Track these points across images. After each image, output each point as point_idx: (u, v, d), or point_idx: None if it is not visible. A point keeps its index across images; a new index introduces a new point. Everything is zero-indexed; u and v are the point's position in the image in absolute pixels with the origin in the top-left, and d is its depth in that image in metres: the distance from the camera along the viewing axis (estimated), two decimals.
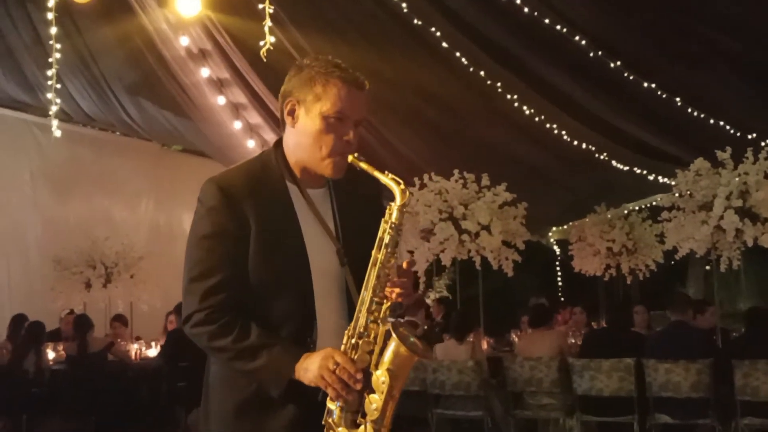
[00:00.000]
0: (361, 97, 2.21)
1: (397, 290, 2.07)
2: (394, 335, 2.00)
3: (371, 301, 2.05)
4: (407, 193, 2.10)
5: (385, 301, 2.06)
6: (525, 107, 9.17)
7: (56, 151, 10.88)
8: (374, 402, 1.99)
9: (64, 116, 10.55)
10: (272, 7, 7.14)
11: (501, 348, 8.47)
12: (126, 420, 7.87)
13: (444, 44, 8.08)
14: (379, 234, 2.09)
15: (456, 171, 8.29)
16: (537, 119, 9.37)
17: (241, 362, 2.06)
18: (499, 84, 8.75)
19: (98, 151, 11.80)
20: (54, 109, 8.96)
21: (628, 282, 10.65)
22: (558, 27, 7.50)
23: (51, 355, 8.42)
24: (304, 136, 2.18)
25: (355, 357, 2.01)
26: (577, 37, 7.62)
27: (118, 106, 10.32)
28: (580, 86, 8.66)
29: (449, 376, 6.67)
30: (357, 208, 2.29)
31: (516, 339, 8.60)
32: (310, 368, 2.01)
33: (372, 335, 2.04)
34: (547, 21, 7.43)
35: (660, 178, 10.79)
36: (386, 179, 2.12)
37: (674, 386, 5.95)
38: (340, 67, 2.20)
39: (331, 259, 2.20)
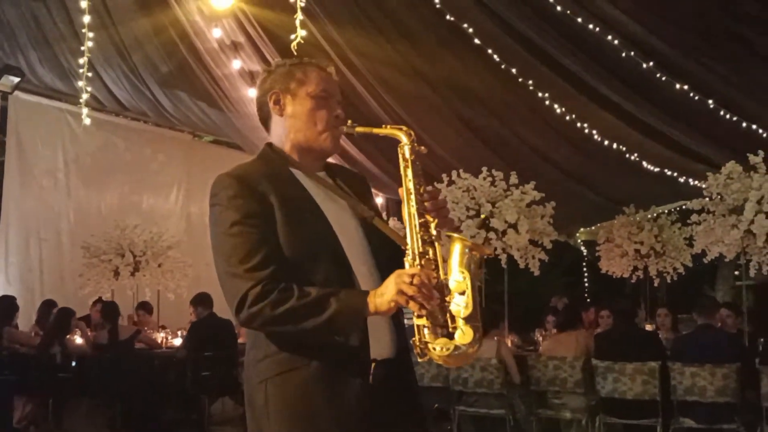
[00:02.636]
0: (334, 80, 2.35)
1: (436, 209, 2.13)
2: (454, 236, 2.04)
3: (418, 226, 2.08)
4: (410, 132, 2.20)
5: (430, 221, 2.10)
6: (556, 105, 9.13)
7: (89, 140, 11.02)
8: (462, 301, 1.98)
9: (96, 105, 10.69)
10: (303, 0, 7.16)
11: (525, 347, 8.44)
12: (151, 407, 7.96)
13: (476, 40, 8.07)
14: (402, 172, 2.17)
15: (484, 168, 8.27)
16: (568, 118, 9.33)
17: (313, 318, 2.01)
18: (530, 81, 8.71)
19: (130, 141, 11.91)
20: (85, 97, 9.06)
21: (656, 284, 10.57)
22: (591, 26, 7.45)
23: (79, 341, 8.53)
24: (297, 119, 2.27)
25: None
26: (609, 37, 7.56)
27: (151, 96, 10.41)
28: (612, 86, 8.59)
29: (472, 373, 6.67)
30: (354, 186, 2.37)
31: (540, 338, 8.57)
32: (385, 291, 1.98)
33: (431, 253, 2.06)
34: (579, 20, 7.38)
35: (690, 180, 10.68)
36: (386, 131, 2.24)
37: (700, 390, 5.89)
38: (309, 60, 2.36)
39: (351, 228, 2.23)
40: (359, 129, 2.28)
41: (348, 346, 2.06)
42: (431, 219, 2.10)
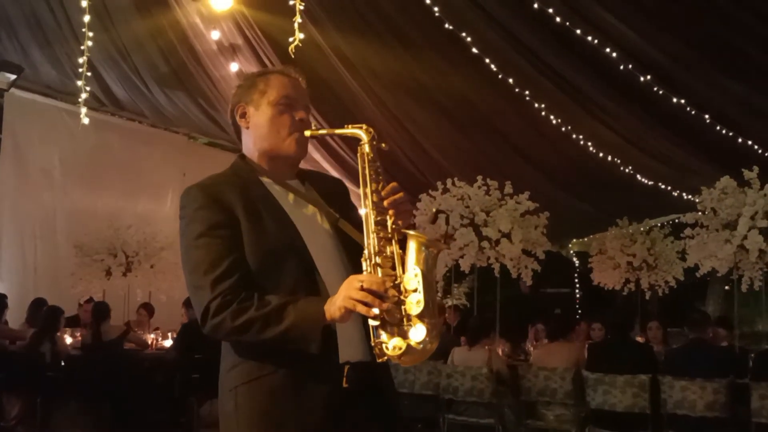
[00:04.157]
0: (301, 85, 2.36)
1: (393, 206, 2.12)
2: (410, 233, 2.06)
3: (375, 224, 2.09)
4: (370, 130, 2.22)
5: (388, 217, 2.10)
6: (552, 116, 9.16)
7: (85, 139, 10.97)
8: (415, 298, 1.99)
9: (95, 104, 10.68)
10: (303, 4, 7.18)
11: (516, 357, 8.44)
12: (140, 408, 7.93)
13: (474, 50, 8.09)
14: (360, 172, 2.18)
15: (479, 177, 8.28)
16: (564, 129, 9.36)
17: (272, 327, 2.02)
18: (527, 92, 8.74)
19: (126, 141, 11.89)
20: (84, 96, 9.05)
21: (647, 297, 10.58)
22: (589, 38, 7.48)
23: (68, 340, 8.50)
24: (261, 128, 2.30)
25: (380, 273, 2.02)
26: (608, 49, 7.59)
27: (149, 95, 10.42)
28: (609, 98, 8.63)
29: (462, 382, 6.66)
30: (329, 192, 2.38)
31: (531, 348, 8.57)
32: (336, 298, 2.00)
33: (388, 251, 2.06)
34: (578, 31, 7.42)
35: (684, 194, 10.72)
36: (348, 130, 2.25)
37: (689, 404, 5.89)
38: (274, 68, 2.39)
39: (322, 233, 2.25)
40: (321, 131, 2.37)
41: (310, 354, 2.06)
42: (390, 216, 2.11)
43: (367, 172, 2.17)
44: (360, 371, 2.12)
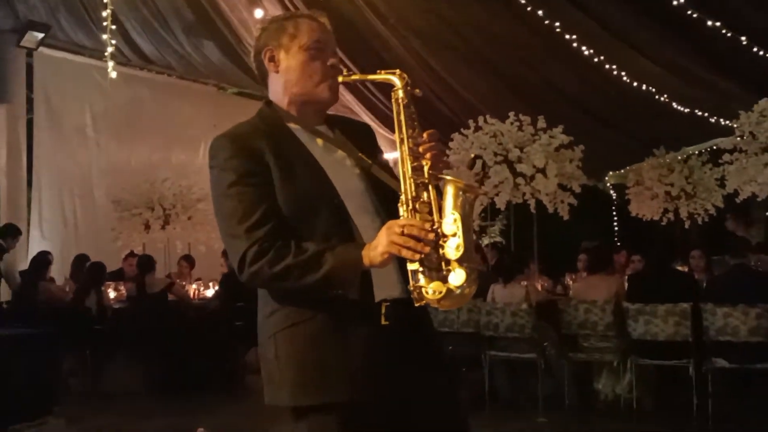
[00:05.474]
0: (329, 30, 2.31)
1: (430, 152, 2.09)
2: (447, 178, 2.03)
3: (411, 170, 2.07)
4: (404, 75, 2.17)
5: (424, 163, 2.08)
6: (584, 48, 8.98)
7: (116, 94, 11.03)
8: (454, 242, 1.98)
9: (121, 58, 10.69)
10: None
11: (555, 291, 8.43)
12: (187, 357, 8.09)
13: None
14: (395, 117, 2.15)
15: (511, 113, 8.18)
16: (596, 60, 9.18)
17: (310, 274, 2.02)
18: (557, 24, 8.57)
19: (157, 94, 11.95)
20: (109, 50, 9.06)
21: (687, 227, 10.47)
22: None
23: (112, 294, 8.66)
24: (292, 73, 2.25)
25: (418, 219, 2.01)
26: None
27: (176, 45, 10.40)
28: (642, 25, 8.43)
29: (503, 318, 6.68)
30: (357, 137, 2.34)
31: (570, 282, 8.56)
32: (378, 244, 1.99)
33: (425, 196, 2.05)
34: None
35: (722, 120, 10.51)
36: (381, 76, 2.21)
37: (732, 330, 5.85)
38: (301, 12, 2.35)
39: (352, 179, 2.22)
40: (354, 77, 2.30)
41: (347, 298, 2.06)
42: (426, 162, 2.08)
43: (402, 117, 2.14)
44: (398, 308, 2.11)
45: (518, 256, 7.82)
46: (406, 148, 2.10)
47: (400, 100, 2.15)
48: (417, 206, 2.03)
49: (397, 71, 2.18)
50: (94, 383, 8.02)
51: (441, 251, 1.99)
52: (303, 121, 2.26)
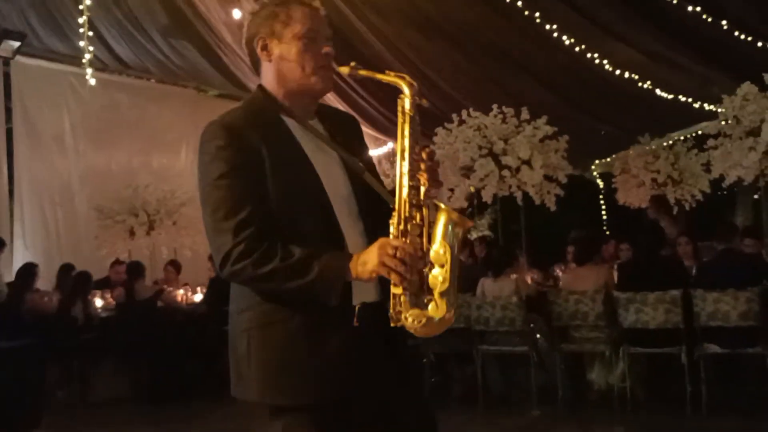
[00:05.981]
0: (322, 15, 2.26)
1: (426, 173, 2.06)
2: (441, 207, 2.01)
3: (408, 188, 2.04)
4: (413, 83, 2.12)
5: (421, 184, 2.05)
6: (565, 37, 8.94)
7: (94, 101, 10.94)
8: (440, 274, 1.96)
9: (98, 64, 10.59)
10: None
11: (545, 283, 8.40)
12: (176, 363, 8.02)
13: None
14: (399, 127, 2.09)
15: (494, 106, 8.14)
16: (578, 49, 9.14)
17: (295, 280, 2.00)
18: (537, 14, 8.53)
19: (135, 99, 11.83)
20: (87, 57, 8.97)
21: (674, 213, 10.46)
22: None
23: (99, 303, 8.58)
24: (285, 63, 2.21)
25: (407, 242, 1.99)
26: None
27: (153, 48, 10.31)
28: (622, 13, 8.40)
29: (493, 313, 6.64)
30: (346, 133, 2.33)
31: (560, 273, 8.52)
32: (368, 260, 1.97)
33: (418, 218, 2.02)
34: None
35: (705, 105, 10.50)
36: (389, 78, 2.15)
37: (723, 315, 5.84)
38: None
39: (340, 181, 2.20)
40: (362, 72, 2.21)
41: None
42: (423, 182, 2.05)
43: (407, 129, 2.08)
44: (371, 311, 2.11)
45: (507, 250, 7.78)
46: (406, 164, 2.06)
47: (406, 111, 2.10)
48: (408, 227, 2.01)
49: (407, 77, 2.14)
50: (81, 393, 7.94)
51: (426, 279, 1.98)
52: (296, 112, 2.23)
